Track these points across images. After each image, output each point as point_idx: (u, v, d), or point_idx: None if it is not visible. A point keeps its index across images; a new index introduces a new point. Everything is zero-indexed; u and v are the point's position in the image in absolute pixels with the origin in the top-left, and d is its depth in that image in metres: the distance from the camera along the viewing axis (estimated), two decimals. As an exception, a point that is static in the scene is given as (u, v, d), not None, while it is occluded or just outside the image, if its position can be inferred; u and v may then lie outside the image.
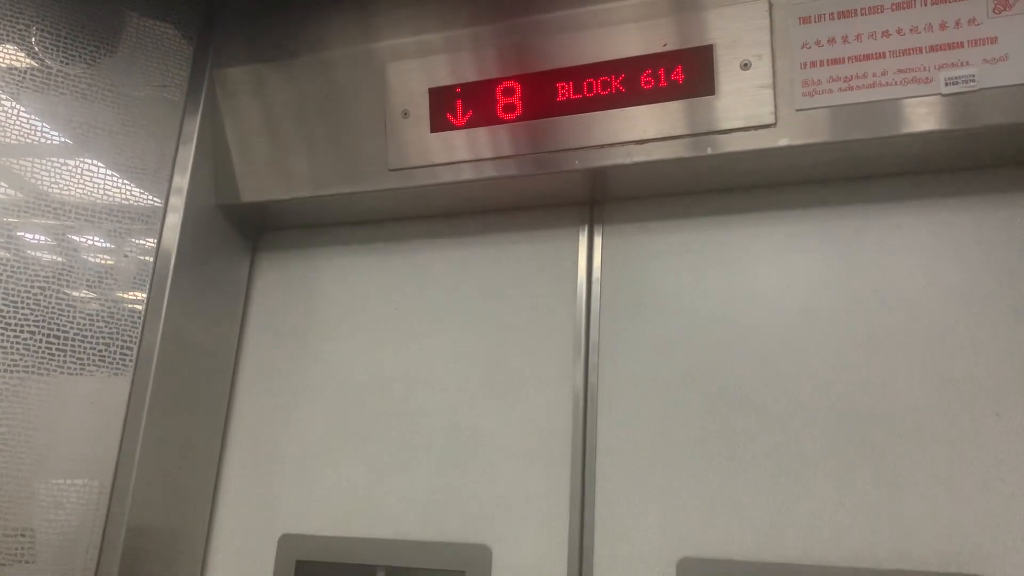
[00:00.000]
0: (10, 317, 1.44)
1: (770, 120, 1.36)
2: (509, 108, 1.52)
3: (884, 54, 1.31)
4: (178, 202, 1.66)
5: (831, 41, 1.34)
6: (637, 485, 1.46)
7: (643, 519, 1.44)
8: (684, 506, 1.42)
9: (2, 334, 1.43)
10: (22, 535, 1.41)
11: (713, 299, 1.51)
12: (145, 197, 1.64)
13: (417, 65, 1.58)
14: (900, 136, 1.31)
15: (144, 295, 1.60)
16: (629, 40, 1.45)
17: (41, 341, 1.47)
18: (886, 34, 1.31)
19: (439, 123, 1.56)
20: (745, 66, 1.38)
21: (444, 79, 1.56)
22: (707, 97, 1.40)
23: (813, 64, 1.35)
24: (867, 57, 1.32)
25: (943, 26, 1.28)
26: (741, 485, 1.40)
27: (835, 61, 1.34)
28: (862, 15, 1.33)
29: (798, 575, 1.32)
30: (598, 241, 1.62)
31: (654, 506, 1.44)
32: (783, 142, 1.36)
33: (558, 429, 1.54)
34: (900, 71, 1.30)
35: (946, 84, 1.27)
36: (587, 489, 1.48)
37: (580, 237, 1.63)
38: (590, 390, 1.54)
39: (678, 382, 1.49)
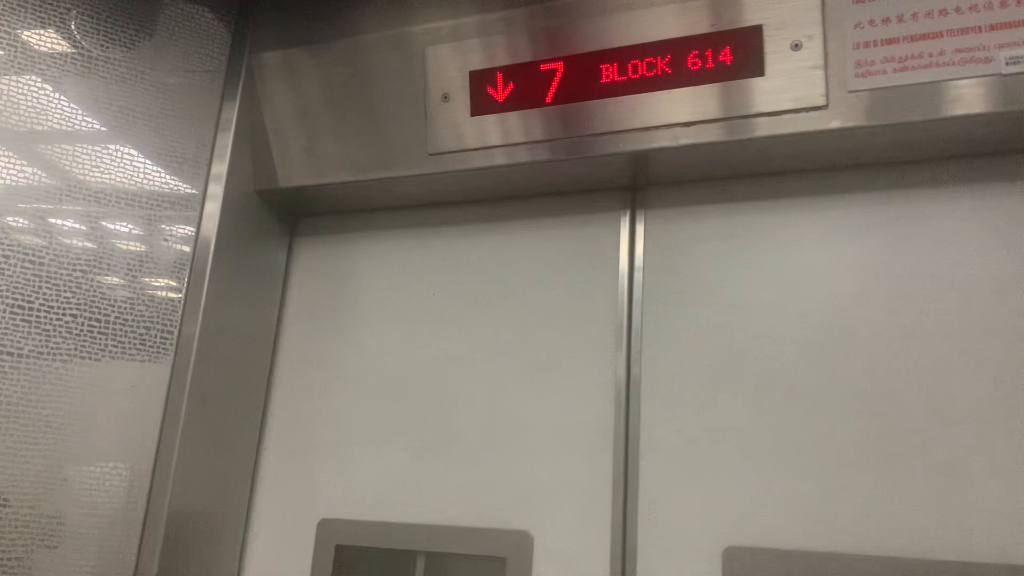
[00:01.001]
0: (52, 301, 1.45)
1: (821, 102, 1.33)
2: (551, 91, 1.49)
3: (941, 33, 1.27)
4: (217, 189, 1.66)
5: (886, 21, 1.31)
6: (681, 473, 1.44)
7: (687, 507, 1.42)
8: (729, 494, 1.40)
9: (45, 317, 1.43)
10: (60, 522, 1.42)
11: (759, 286, 1.48)
12: (184, 184, 1.63)
13: (457, 48, 1.56)
14: (957, 118, 1.27)
15: (183, 281, 1.60)
16: (675, 21, 1.42)
17: (83, 325, 1.47)
18: (943, 12, 1.27)
19: (480, 106, 1.55)
20: (796, 47, 1.35)
21: (485, 62, 1.54)
22: (756, 79, 1.37)
23: (867, 44, 1.32)
24: (923, 37, 1.28)
25: (1003, 3, 1.24)
26: (788, 474, 1.37)
27: (890, 41, 1.30)
28: (918, -7, 1.29)
29: (847, 565, 1.30)
30: (640, 226, 1.60)
31: (698, 494, 1.42)
32: (834, 124, 1.33)
33: (599, 416, 1.52)
34: (958, 51, 1.26)
35: (1007, 63, 1.23)
36: (630, 476, 1.47)
37: (622, 222, 1.61)
38: (632, 377, 1.52)
39: (723, 370, 1.46)
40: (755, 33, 1.37)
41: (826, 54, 1.33)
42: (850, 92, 1.32)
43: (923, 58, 1.28)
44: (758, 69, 1.37)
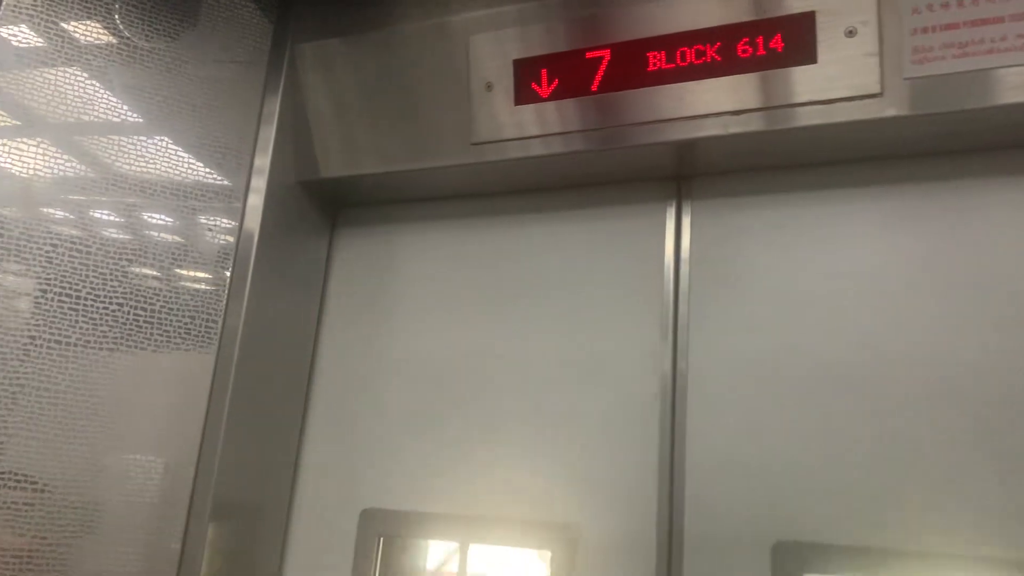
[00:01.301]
0: (99, 290, 1.45)
1: (876, 89, 1.30)
2: (597, 79, 1.48)
3: (1003, 18, 1.24)
4: (259, 182, 1.66)
5: (944, 6, 1.28)
6: (729, 467, 1.42)
7: (735, 501, 1.40)
8: (779, 489, 1.38)
9: (92, 306, 1.44)
10: (104, 511, 1.42)
11: (809, 278, 1.46)
12: (227, 175, 1.64)
13: (501, 36, 1.54)
14: (1017, 105, 1.24)
15: (227, 272, 1.60)
16: (725, 7, 1.39)
17: (128, 314, 1.48)
18: (1005, -4, 1.24)
19: (524, 95, 1.53)
20: (850, 33, 1.32)
21: (529, 50, 1.53)
22: (808, 66, 1.34)
23: (924, 30, 1.28)
24: (984, 22, 1.25)
25: (1069, -13, 1.21)
26: (841, 468, 1.35)
27: (949, 26, 1.27)
28: (979, -23, 1.26)
29: (902, 562, 1.27)
30: (686, 217, 1.57)
31: (747, 488, 1.40)
32: (890, 112, 1.30)
33: (645, 409, 1.50)
34: (1020, 36, 1.23)
35: (1072, 49, 1.20)
36: (676, 470, 1.45)
37: (668, 213, 1.59)
38: (679, 370, 1.50)
39: (772, 363, 1.44)
40: (807, 20, 1.34)
41: (881, 40, 1.30)
42: (906, 79, 1.29)
43: (983, 44, 1.25)
44: (810, 56, 1.34)
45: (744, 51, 1.38)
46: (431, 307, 1.75)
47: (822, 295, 1.44)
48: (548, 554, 1.49)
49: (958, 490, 1.28)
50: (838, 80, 1.32)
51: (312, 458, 1.74)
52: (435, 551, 1.57)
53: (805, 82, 1.34)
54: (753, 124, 1.38)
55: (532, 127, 1.53)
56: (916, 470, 1.31)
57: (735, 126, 1.39)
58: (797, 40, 1.35)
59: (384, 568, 1.61)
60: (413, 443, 1.67)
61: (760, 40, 1.37)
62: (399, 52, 1.64)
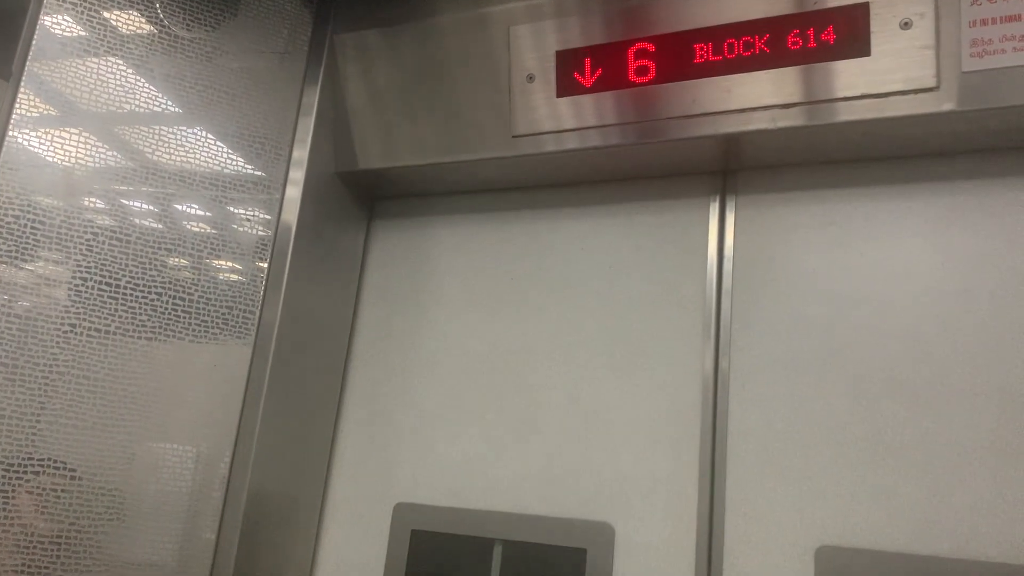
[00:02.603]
0: (138, 280, 1.46)
1: (932, 83, 1.26)
2: (642, 71, 1.45)
3: (1067, 10, 1.20)
4: (298, 174, 1.66)
5: (1005, -4, 1.23)
6: (772, 468, 1.39)
7: (778, 504, 1.37)
8: (823, 492, 1.35)
9: (131, 295, 1.44)
10: (140, 499, 1.42)
11: (858, 276, 1.42)
12: (265, 167, 1.63)
13: (543, 27, 1.52)
14: (1081, 100, 1.20)
15: (265, 263, 1.60)
16: (774, -1, 1.36)
17: (167, 304, 1.48)
18: (1070, -13, 1.20)
19: (567, 87, 1.51)
20: (905, 25, 1.28)
21: (572, 41, 1.50)
22: (861, 59, 1.30)
23: (983, 22, 1.24)
24: (1047, 13, 1.21)
25: None
26: (888, 473, 1.32)
27: (1009, 18, 1.23)
28: (1042, -33, 1.22)
29: (951, 570, 1.24)
30: (731, 212, 1.54)
31: (790, 491, 1.37)
32: (946, 107, 1.26)
33: (685, 408, 1.48)
34: (1086, 28, 1.18)
35: None
36: (717, 470, 1.43)
37: (711, 208, 1.56)
38: (720, 369, 1.47)
39: (818, 363, 1.41)
40: (861, 11, 1.31)
41: (938, 32, 1.27)
42: (964, 73, 1.25)
43: (1046, 36, 1.21)
44: (863, 49, 1.30)
45: (794, 43, 1.35)
46: (467, 300, 1.73)
47: (871, 294, 1.40)
48: (583, 552, 1.47)
49: (1010, 497, 1.24)
50: (892, 73, 1.29)
51: (346, 451, 1.74)
52: (468, 546, 1.56)
53: (858, 75, 1.31)
54: (802, 118, 1.35)
55: (575, 120, 1.51)
56: (966, 475, 1.28)
57: (784, 120, 1.36)
58: (850, 32, 1.31)
59: (416, 562, 1.60)
60: (447, 437, 1.65)
61: (811, 32, 1.34)
62: (438, 43, 1.62)
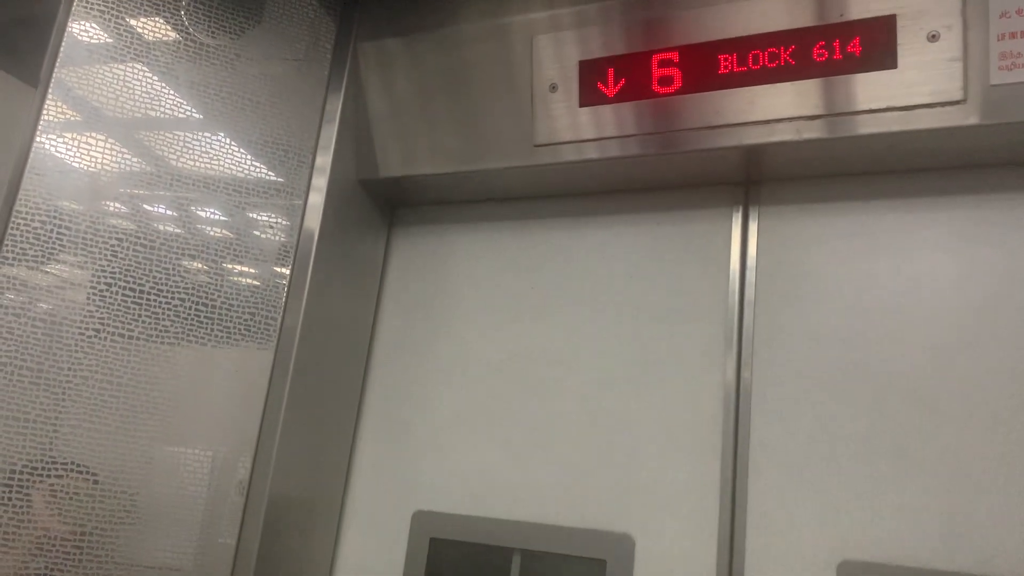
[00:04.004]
0: (162, 285, 1.47)
1: (959, 96, 1.26)
2: (665, 81, 1.45)
3: (1098, 24, 1.19)
4: (320, 181, 1.66)
5: (1035, 10, 1.23)
6: (794, 481, 1.38)
7: (800, 517, 1.36)
8: (846, 506, 1.34)
9: (154, 300, 1.45)
10: (161, 503, 1.43)
11: (883, 288, 1.41)
12: (289, 173, 1.64)
13: (566, 37, 1.53)
14: (1110, 114, 1.19)
15: (287, 270, 1.61)
16: (800, 10, 1.36)
17: (190, 309, 1.49)
18: (1100, 1, 1.19)
19: (590, 97, 1.51)
20: (932, 38, 1.27)
21: (596, 51, 1.51)
22: (888, 71, 1.30)
23: (1012, 35, 1.24)
24: (1077, 27, 1.20)
25: None
26: (911, 487, 1.31)
27: (1039, 32, 1.22)
28: (1072, -19, 1.21)
29: (975, 586, 1.23)
30: (753, 224, 1.54)
31: (813, 504, 1.36)
32: (972, 120, 1.25)
33: (707, 419, 1.47)
34: (1117, 42, 1.18)
35: None
36: (738, 482, 1.42)
37: (734, 219, 1.56)
38: (743, 381, 1.47)
39: (841, 375, 1.40)
40: (888, 23, 1.30)
41: (966, 45, 1.26)
42: (992, 86, 1.24)
43: (1076, 50, 1.20)
44: (890, 61, 1.30)
45: (820, 55, 1.34)
46: (487, 308, 1.73)
47: (895, 307, 1.40)
48: (603, 563, 1.46)
49: (1037, 513, 1.23)
50: (919, 86, 1.28)
51: (366, 457, 1.74)
52: (487, 555, 1.56)
53: (884, 87, 1.30)
54: (827, 130, 1.34)
55: (598, 129, 1.51)
56: (990, 491, 1.27)
57: (809, 131, 1.35)
58: (877, 44, 1.31)
59: (434, 570, 1.60)
60: (467, 445, 1.65)
61: (837, 44, 1.33)
62: (461, 52, 1.62)
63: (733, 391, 1.47)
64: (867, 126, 1.32)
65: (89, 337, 1.38)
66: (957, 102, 1.26)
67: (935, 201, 1.41)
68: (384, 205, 1.87)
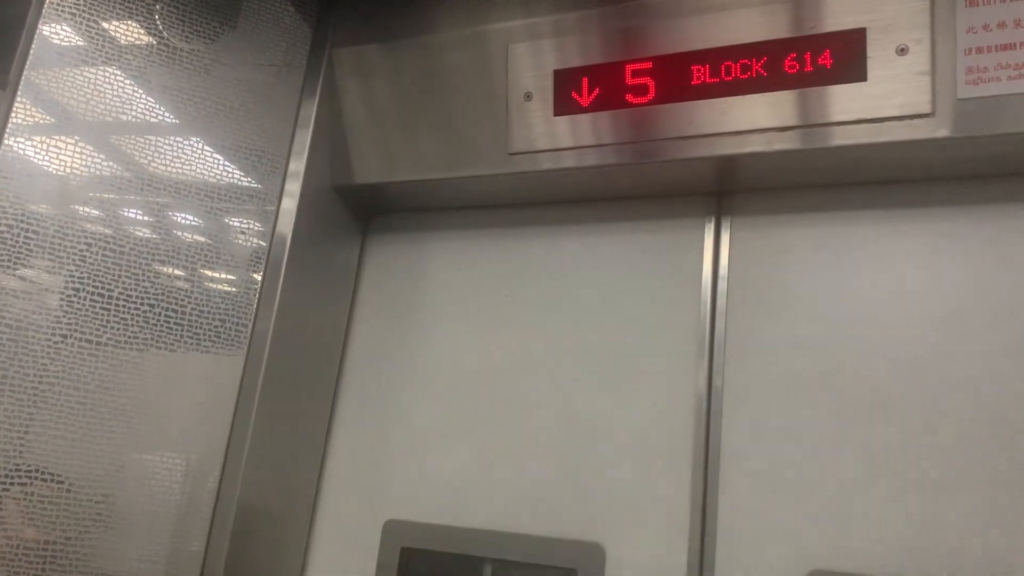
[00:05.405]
0: (131, 291, 1.45)
1: (927, 109, 1.27)
2: (639, 91, 1.46)
3: (1062, 40, 1.21)
4: (294, 186, 1.65)
5: (1001, 25, 1.24)
6: (764, 490, 1.39)
7: (770, 526, 1.37)
8: (816, 516, 1.34)
9: (123, 306, 1.44)
10: (128, 511, 1.41)
11: (853, 299, 1.42)
12: (262, 179, 1.63)
13: (542, 46, 1.53)
14: (1075, 129, 1.20)
15: (259, 275, 1.60)
16: (772, 22, 1.37)
17: (160, 315, 1.48)
18: (1064, 18, 1.21)
19: (564, 106, 1.51)
20: (901, 51, 1.29)
21: (571, 60, 1.51)
22: (857, 84, 1.31)
23: (979, 50, 1.25)
24: (1042, 43, 1.22)
25: None
26: (880, 497, 1.32)
27: (1004, 47, 1.24)
28: (1037, -3, 1.23)
29: (942, 596, 1.24)
30: (726, 233, 1.55)
31: (783, 513, 1.37)
32: (941, 133, 1.27)
33: (678, 428, 1.48)
34: (1080, 58, 1.19)
35: None
36: (709, 492, 1.42)
37: (706, 228, 1.56)
38: (714, 389, 1.47)
39: (812, 385, 1.41)
40: (858, 36, 1.32)
41: (934, 60, 1.27)
42: (960, 100, 1.25)
43: (1041, 65, 1.22)
44: (860, 74, 1.31)
45: (791, 67, 1.35)
46: (461, 317, 1.73)
47: (865, 317, 1.41)
48: (573, 573, 1.46)
49: (1001, 522, 1.24)
50: (888, 99, 1.29)
51: (337, 466, 1.73)
52: (458, 565, 1.55)
53: (854, 100, 1.31)
54: (798, 141, 1.35)
55: (571, 138, 1.51)
56: (957, 500, 1.27)
57: (780, 143, 1.36)
58: (847, 57, 1.32)
59: (405, 580, 1.59)
60: (439, 454, 1.65)
61: (808, 56, 1.35)
62: (438, 60, 1.62)
63: (704, 399, 1.47)
64: (837, 138, 1.33)
65: (56, 343, 1.36)
66: (925, 115, 1.27)
67: (905, 213, 1.43)
68: (359, 212, 1.86)
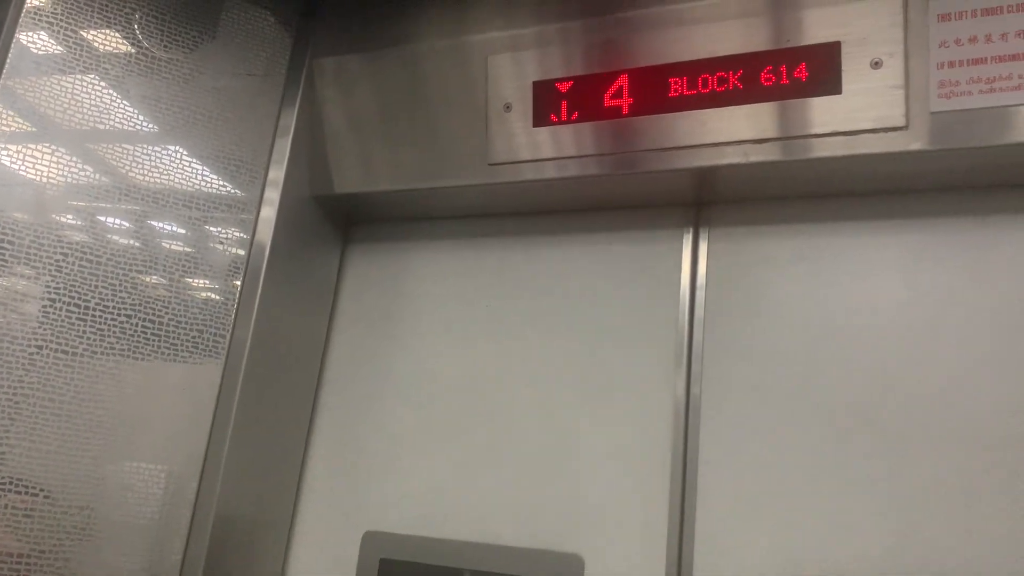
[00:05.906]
0: (108, 301, 1.44)
1: (901, 122, 1.28)
2: (617, 103, 1.46)
3: (1032, 54, 1.22)
4: (273, 195, 1.65)
5: (972, 40, 1.26)
6: (742, 500, 1.39)
7: (748, 536, 1.37)
8: (793, 525, 1.35)
9: (100, 316, 1.43)
10: (106, 521, 1.40)
11: (829, 310, 1.43)
12: (240, 188, 1.63)
13: (521, 58, 1.53)
14: (1045, 142, 1.22)
15: (238, 284, 1.59)
16: (748, 35, 1.38)
17: (137, 325, 1.47)
18: (1035, 33, 1.23)
19: (542, 117, 1.52)
20: (875, 65, 1.30)
21: (550, 72, 1.52)
22: (832, 96, 1.32)
23: (951, 64, 1.27)
24: (1013, 57, 1.23)
25: (1100, 25, 1.19)
26: (857, 506, 1.32)
27: (976, 61, 1.25)
28: (1008, 12, 1.24)
29: (917, 606, 1.24)
30: (704, 244, 1.56)
31: (760, 523, 1.37)
32: (914, 146, 1.28)
33: (657, 438, 1.48)
34: (1050, 73, 1.21)
35: (1103, 88, 1.18)
36: (687, 502, 1.43)
37: (685, 240, 1.57)
38: (692, 399, 1.48)
39: (788, 395, 1.42)
40: (833, 50, 1.33)
41: (907, 73, 1.29)
42: (933, 113, 1.27)
43: (1011, 79, 1.23)
44: (835, 87, 1.32)
45: (767, 79, 1.36)
46: (441, 326, 1.73)
47: (841, 328, 1.42)
48: (553, 583, 1.46)
49: (977, 533, 1.25)
50: (862, 112, 1.30)
51: (316, 477, 1.72)
52: (437, 576, 1.55)
53: (829, 112, 1.32)
54: (774, 153, 1.36)
55: (550, 149, 1.52)
56: (933, 511, 1.28)
57: (756, 154, 1.37)
58: (822, 70, 1.33)
59: (384, 592, 1.58)
60: (419, 465, 1.64)
61: (784, 69, 1.36)
62: (417, 70, 1.63)
63: (683, 409, 1.48)
64: (813, 150, 1.34)
65: (30, 354, 1.35)
66: (899, 128, 1.28)
67: (881, 224, 1.44)
68: (339, 221, 1.86)
